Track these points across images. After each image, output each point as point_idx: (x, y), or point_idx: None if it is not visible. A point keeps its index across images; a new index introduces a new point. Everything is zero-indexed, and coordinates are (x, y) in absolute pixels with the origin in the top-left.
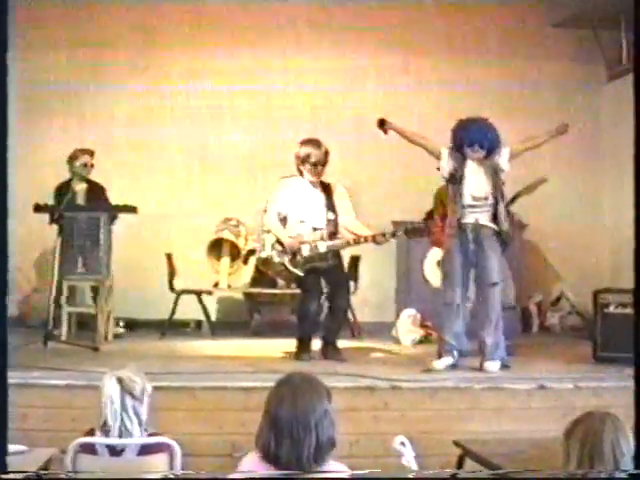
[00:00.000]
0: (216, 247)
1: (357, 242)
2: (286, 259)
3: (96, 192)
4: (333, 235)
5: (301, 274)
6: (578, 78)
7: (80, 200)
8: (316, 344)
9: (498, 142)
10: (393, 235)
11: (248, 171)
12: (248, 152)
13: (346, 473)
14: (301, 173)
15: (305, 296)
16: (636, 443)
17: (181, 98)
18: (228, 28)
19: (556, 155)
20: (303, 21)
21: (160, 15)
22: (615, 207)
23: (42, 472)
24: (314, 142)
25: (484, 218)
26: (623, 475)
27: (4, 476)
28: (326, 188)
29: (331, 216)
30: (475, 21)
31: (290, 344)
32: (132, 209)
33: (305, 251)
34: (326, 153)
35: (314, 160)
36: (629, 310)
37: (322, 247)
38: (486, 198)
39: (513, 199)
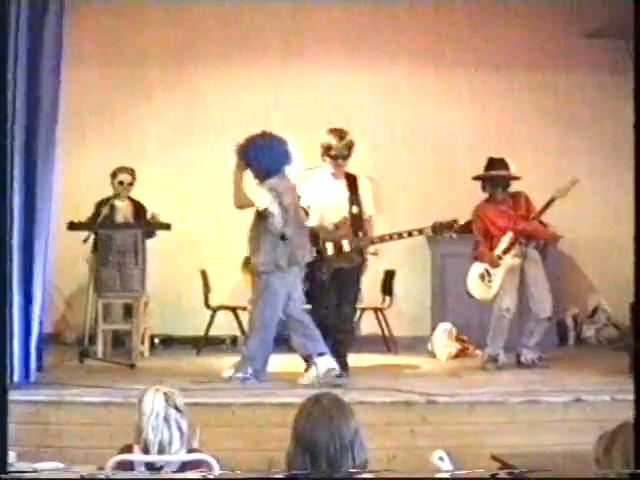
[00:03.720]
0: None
1: (382, 240)
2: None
3: (137, 211)
4: (357, 232)
5: (324, 277)
6: (610, 89)
7: (120, 217)
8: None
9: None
10: (420, 232)
11: None
12: None
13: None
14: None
15: (314, 305)
16: (636, 443)
17: (214, 114)
18: (261, 46)
19: (591, 167)
20: (335, 37)
21: (193, 32)
22: None
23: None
24: (338, 132)
25: None
26: None
27: (4, 476)
28: (351, 180)
29: (355, 210)
30: (507, 33)
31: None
32: (166, 226)
33: (329, 250)
34: (349, 146)
35: (334, 153)
36: None
37: (346, 245)
38: None
39: (548, 204)
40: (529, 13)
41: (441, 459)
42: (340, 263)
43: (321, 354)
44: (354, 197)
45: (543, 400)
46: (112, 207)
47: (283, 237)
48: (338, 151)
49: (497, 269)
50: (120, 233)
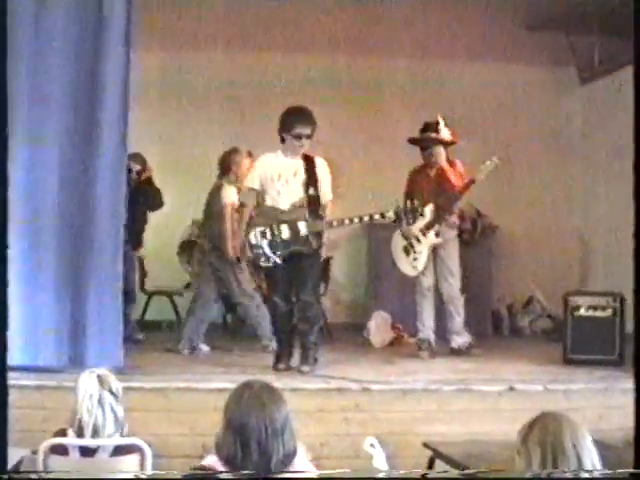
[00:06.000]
0: (187, 248)
1: (341, 223)
2: (265, 242)
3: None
4: (315, 214)
5: (279, 261)
6: (551, 81)
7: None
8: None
9: None
10: (382, 216)
11: None
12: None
13: (314, 473)
14: (283, 141)
15: (270, 292)
16: (636, 443)
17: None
18: (262, 33)
19: (529, 157)
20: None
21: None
22: (586, 210)
23: (12, 472)
24: (302, 111)
25: None
26: (586, 475)
27: (4, 476)
28: (309, 161)
29: (312, 192)
30: (449, 23)
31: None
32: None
33: (285, 233)
34: (313, 126)
35: (298, 132)
36: (599, 313)
37: (303, 228)
38: None
39: (468, 185)
40: (471, 3)
41: (372, 446)
42: (296, 247)
43: None
44: (311, 179)
45: (476, 389)
46: None
47: None
48: (302, 130)
49: (422, 247)
50: None
